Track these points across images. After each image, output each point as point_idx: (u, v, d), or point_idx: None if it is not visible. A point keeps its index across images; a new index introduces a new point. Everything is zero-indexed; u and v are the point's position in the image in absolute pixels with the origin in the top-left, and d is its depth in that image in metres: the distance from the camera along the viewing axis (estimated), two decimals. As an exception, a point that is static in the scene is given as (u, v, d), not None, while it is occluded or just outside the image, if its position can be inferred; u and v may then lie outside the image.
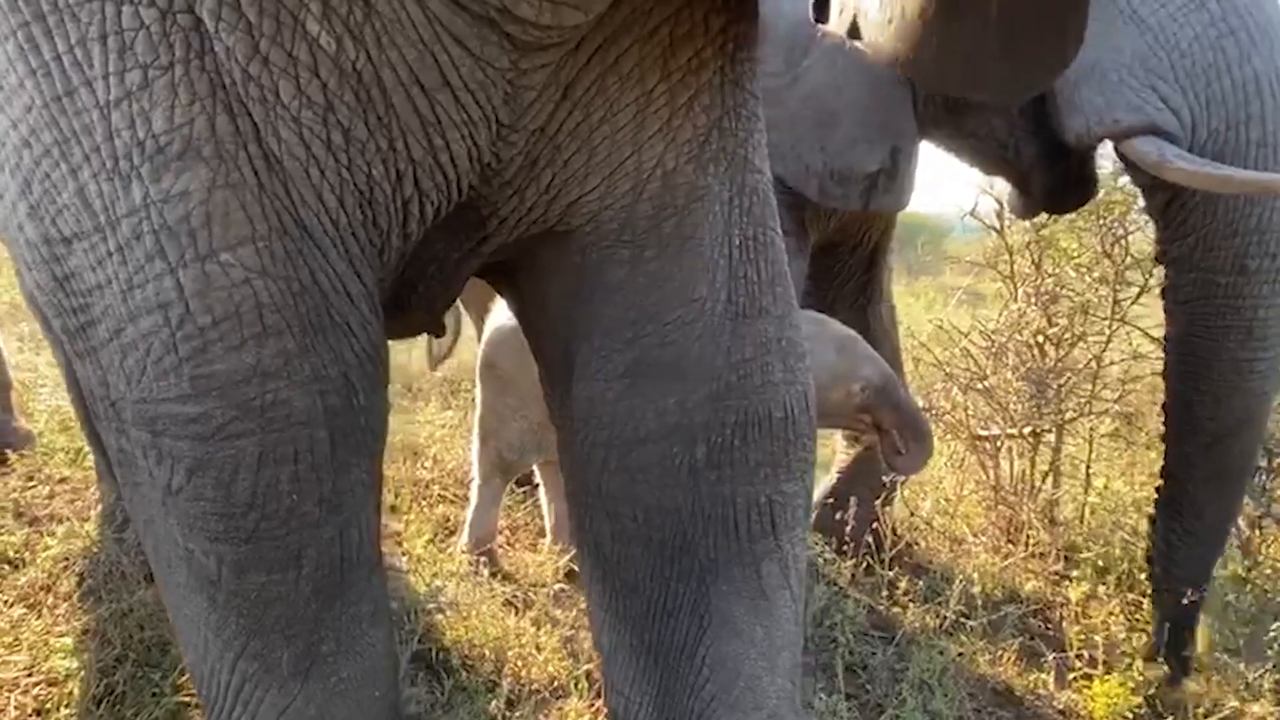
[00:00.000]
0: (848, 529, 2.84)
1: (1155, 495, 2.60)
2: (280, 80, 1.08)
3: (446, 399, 5.12)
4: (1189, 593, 2.43)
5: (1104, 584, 3.13)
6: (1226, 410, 2.30)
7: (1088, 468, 3.64)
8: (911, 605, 2.88)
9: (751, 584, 1.39)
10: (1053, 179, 2.61)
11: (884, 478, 2.89)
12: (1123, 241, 3.49)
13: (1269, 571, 2.90)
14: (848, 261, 3.37)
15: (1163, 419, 2.50)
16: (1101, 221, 3.50)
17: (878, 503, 2.98)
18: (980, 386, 3.71)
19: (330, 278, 1.15)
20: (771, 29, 2.62)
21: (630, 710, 1.45)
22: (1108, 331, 3.56)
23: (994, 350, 3.70)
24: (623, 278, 1.38)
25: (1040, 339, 3.59)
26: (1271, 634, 2.58)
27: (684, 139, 1.36)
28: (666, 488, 1.38)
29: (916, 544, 3.45)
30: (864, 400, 2.49)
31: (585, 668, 2.29)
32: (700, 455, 1.37)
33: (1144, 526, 3.40)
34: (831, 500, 3.29)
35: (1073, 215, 3.74)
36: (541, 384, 1.59)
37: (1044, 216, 3.69)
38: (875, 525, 3.09)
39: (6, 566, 2.55)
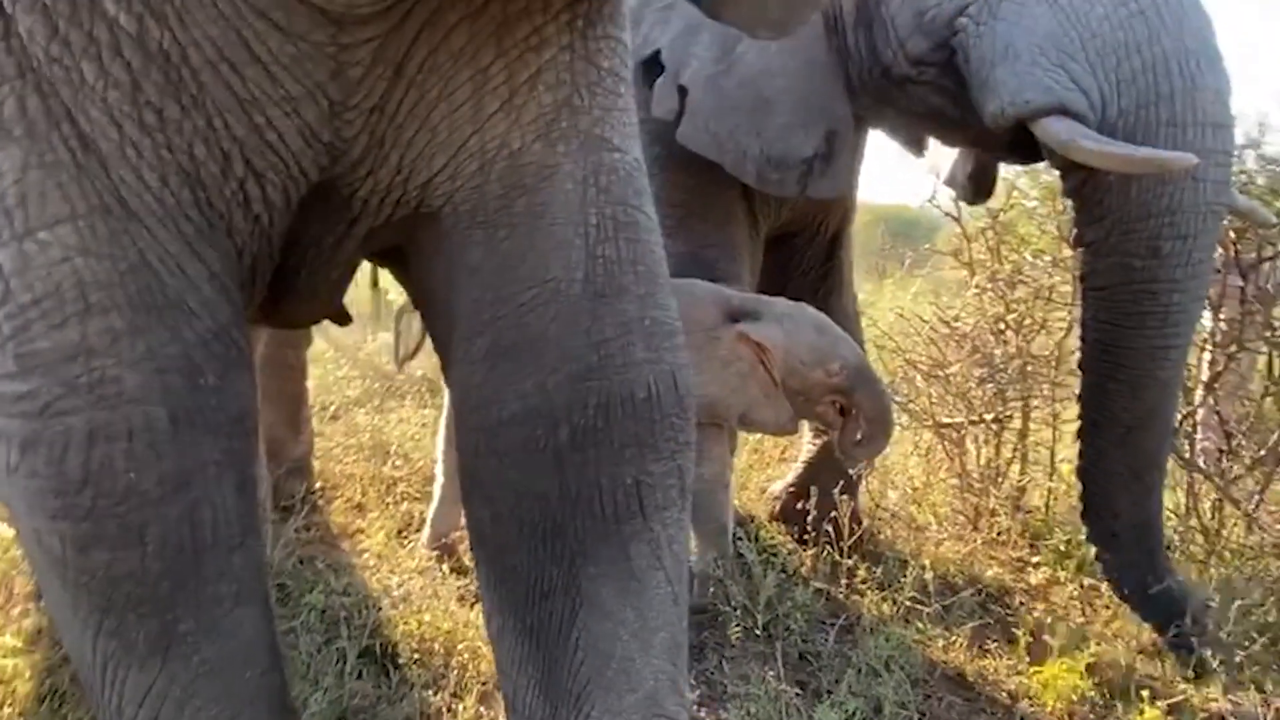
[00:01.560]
0: (809, 518, 2.85)
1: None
2: (83, 61, 1.08)
3: (424, 398, 5.13)
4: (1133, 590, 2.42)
5: (1064, 569, 3.13)
6: (1140, 400, 2.27)
7: (1052, 454, 3.64)
8: (869, 593, 2.89)
9: (620, 565, 1.38)
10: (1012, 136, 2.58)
11: (849, 469, 2.90)
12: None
13: (1227, 554, 2.90)
14: (806, 252, 3.38)
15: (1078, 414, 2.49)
16: (1059, 207, 3.49)
17: (837, 491, 2.99)
18: (941, 374, 3.72)
19: (161, 257, 1.14)
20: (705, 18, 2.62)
21: (518, 694, 1.45)
22: (1069, 318, 3.55)
23: (955, 338, 3.71)
24: (479, 259, 1.38)
25: (1000, 326, 3.59)
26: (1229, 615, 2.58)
27: (529, 118, 1.34)
28: (533, 471, 1.37)
29: (880, 533, 3.45)
30: (841, 380, 2.50)
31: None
32: (564, 437, 1.36)
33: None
34: (794, 489, 3.31)
35: (1031, 203, 3.75)
36: (441, 369, 1.60)
37: (1000, 202, 3.70)
38: (835, 514, 3.09)
39: (-38, 568, 2.57)
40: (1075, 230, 2.37)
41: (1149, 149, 2.01)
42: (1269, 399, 3.00)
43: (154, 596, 1.16)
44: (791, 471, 3.46)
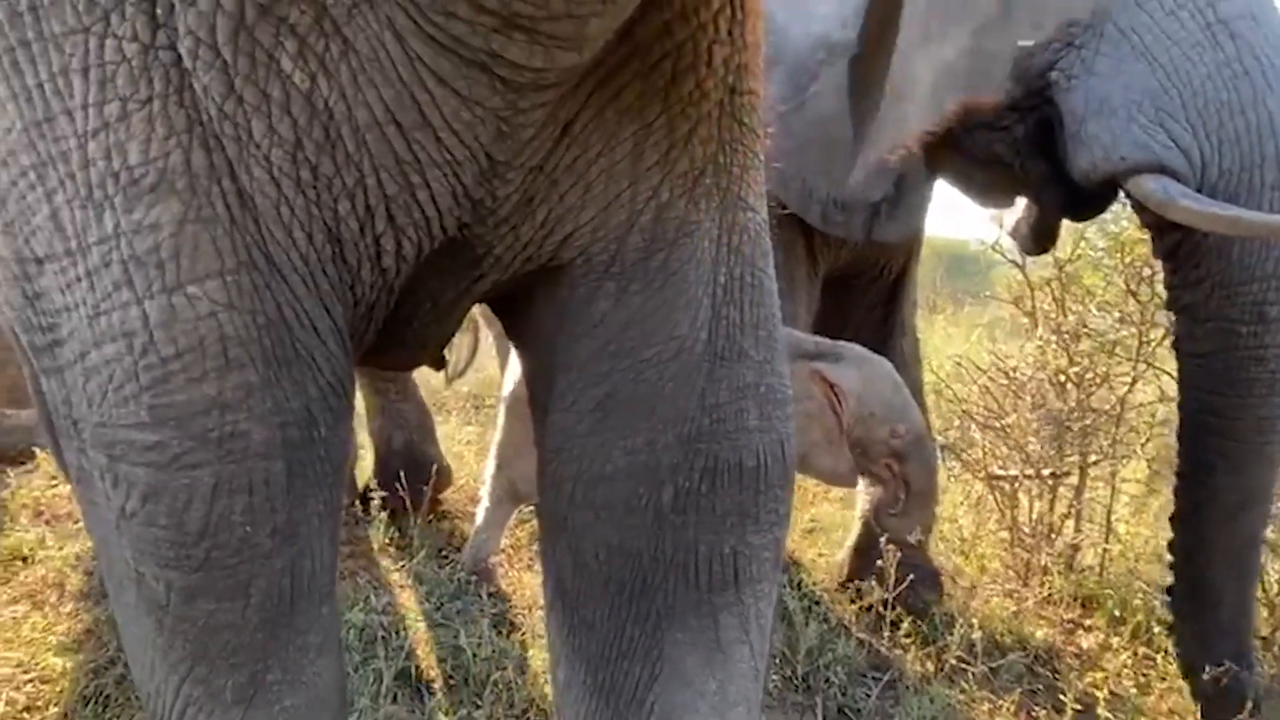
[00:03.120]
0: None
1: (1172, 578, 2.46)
2: (253, 118, 1.10)
3: (469, 414, 5.17)
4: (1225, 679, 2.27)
5: (1118, 635, 3.01)
6: (1245, 477, 2.16)
7: (1109, 513, 3.52)
8: (912, 648, 2.81)
9: (708, 635, 1.36)
10: (1067, 193, 2.52)
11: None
12: (1149, 280, 3.39)
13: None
14: (869, 292, 3.33)
15: (1173, 490, 2.39)
16: (1126, 259, 3.40)
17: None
18: (998, 425, 3.63)
19: (297, 312, 1.16)
20: (780, 55, 2.61)
21: None
22: (1133, 373, 3.44)
23: (1013, 389, 3.61)
24: (606, 310, 1.37)
25: (1061, 378, 3.49)
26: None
27: (680, 171, 1.34)
28: (630, 528, 1.36)
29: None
30: (901, 445, 2.45)
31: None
32: (667, 498, 1.34)
33: (1163, 577, 3.29)
34: (858, 552, 3.21)
35: (1098, 253, 3.66)
36: (532, 410, 1.59)
37: (1067, 252, 3.62)
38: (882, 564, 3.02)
39: (19, 563, 2.65)
40: (1169, 291, 2.28)
41: (1258, 213, 1.94)
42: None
43: (249, 646, 1.17)
44: (852, 534, 3.34)
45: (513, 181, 1.26)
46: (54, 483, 3.22)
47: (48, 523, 2.91)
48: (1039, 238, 2.89)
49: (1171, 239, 2.16)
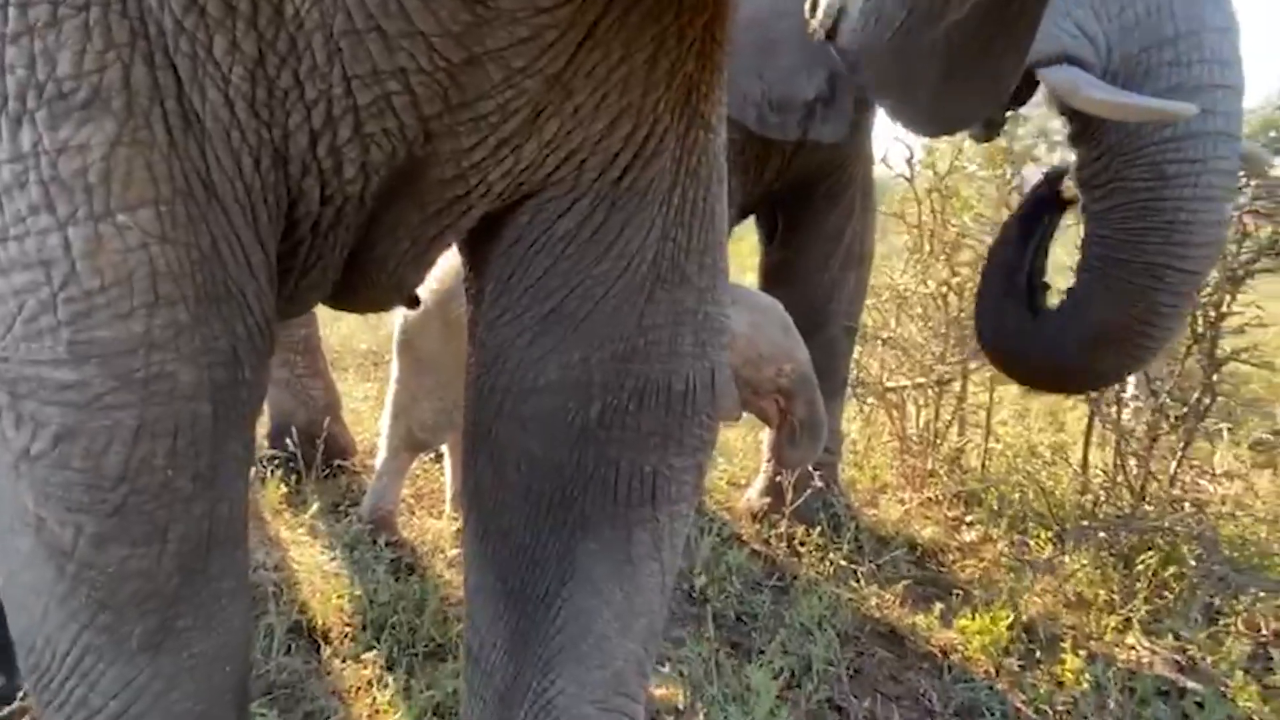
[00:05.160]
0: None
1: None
2: (216, 33, 1.01)
3: (368, 371, 5.06)
4: None
5: (996, 527, 3.20)
6: (1128, 308, 2.14)
7: (988, 415, 3.71)
8: (805, 555, 2.93)
9: (620, 548, 1.38)
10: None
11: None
12: (1019, 190, 3.52)
13: (1149, 507, 2.99)
14: (823, 207, 3.24)
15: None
16: (998, 172, 3.52)
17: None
18: (885, 337, 3.76)
19: (232, 246, 1.09)
20: None
21: (484, 650, 1.46)
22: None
23: (897, 302, 3.74)
24: (571, 229, 1.32)
25: (944, 289, 3.62)
26: (1139, 568, 2.67)
27: (678, 83, 1.28)
28: (555, 441, 1.36)
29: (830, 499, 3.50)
30: (787, 383, 2.52)
31: (457, 628, 2.29)
32: (594, 414, 1.35)
33: (1038, 471, 3.50)
34: (766, 492, 3.28)
35: (972, 164, 3.77)
36: (469, 328, 1.54)
37: (945, 166, 3.72)
38: (778, 478, 3.12)
39: None
40: (1076, 170, 2.33)
41: (1153, 99, 2.00)
42: (1190, 359, 3.07)
43: (161, 593, 1.12)
44: (760, 477, 3.39)
45: (527, 91, 1.17)
46: None
47: None
48: (985, 125, 2.92)
49: (1079, 122, 2.22)
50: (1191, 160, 2.07)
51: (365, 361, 5.20)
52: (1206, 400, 3.08)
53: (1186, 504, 2.99)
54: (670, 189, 1.33)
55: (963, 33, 1.01)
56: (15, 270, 1.00)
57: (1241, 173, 2.81)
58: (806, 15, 1.37)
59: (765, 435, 3.38)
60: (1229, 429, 3.69)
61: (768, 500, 3.23)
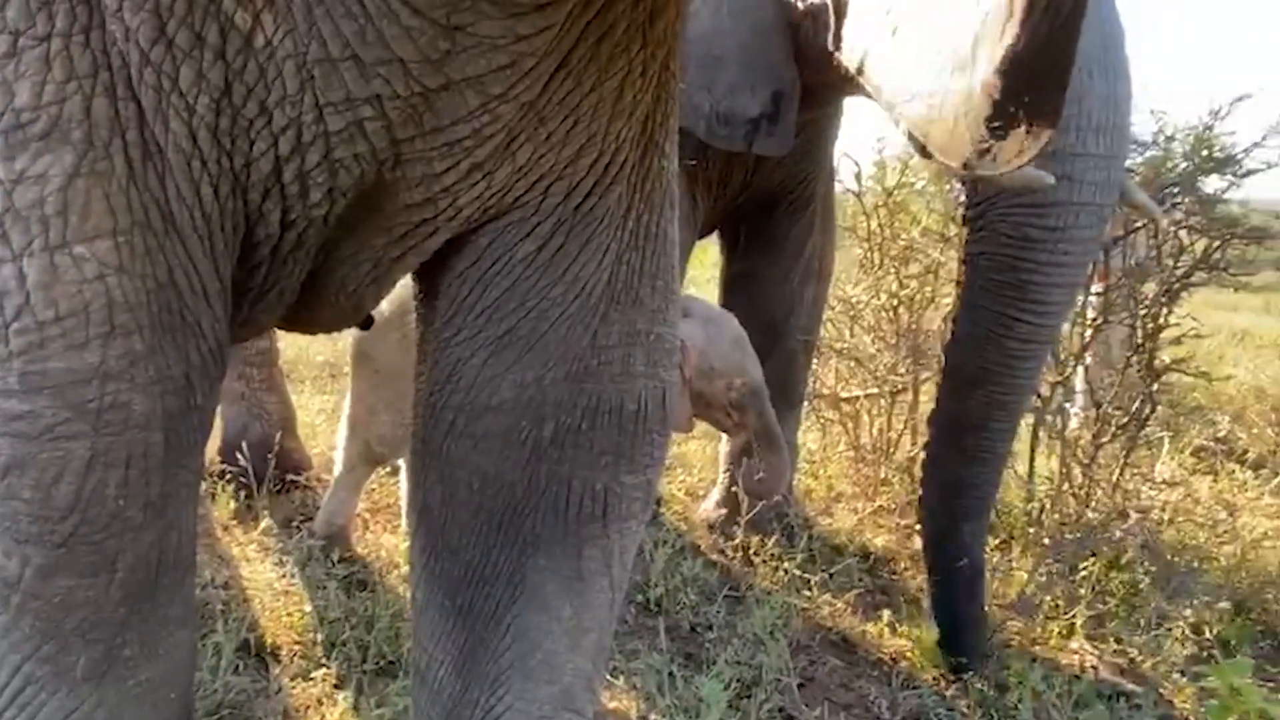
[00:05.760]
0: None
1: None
2: (183, 65, 1.01)
3: (324, 383, 5.00)
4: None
5: (947, 534, 3.26)
6: (981, 361, 2.33)
7: (940, 424, 3.77)
8: (760, 565, 2.96)
9: (570, 564, 1.40)
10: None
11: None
12: (961, 203, 3.60)
13: (1093, 514, 3.07)
14: (784, 221, 3.30)
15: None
16: (944, 187, 3.60)
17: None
18: (839, 348, 3.82)
19: (189, 275, 1.09)
20: None
21: (431, 667, 1.46)
22: (956, 292, 3.68)
23: (850, 315, 3.80)
24: (531, 252, 1.35)
25: (894, 303, 3.69)
26: (1083, 574, 2.74)
27: (641, 114, 1.32)
28: (507, 459, 1.37)
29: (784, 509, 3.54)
30: (738, 397, 2.56)
31: (409, 644, 2.27)
32: (547, 433, 1.36)
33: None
34: (722, 504, 3.32)
35: (920, 180, 3.86)
36: (418, 346, 1.54)
37: (894, 181, 3.80)
38: (734, 489, 3.15)
39: None
40: (962, 207, 2.44)
41: (1023, 171, 2.07)
42: (1130, 369, 3.17)
43: (108, 622, 1.11)
44: (717, 488, 3.43)
45: (502, 117, 1.18)
46: None
47: None
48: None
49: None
50: (1051, 229, 2.19)
51: (321, 374, 5.14)
52: (1147, 409, 3.18)
53: (1129, 510, 3.08)
54: (625, 213, 1.36)
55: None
56: None
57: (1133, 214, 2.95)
58: (831, 47, 1.41)
59: (723, 447, 3.42)
60: (1170, 437, 3.81)
61: (724, 511, 3.26)
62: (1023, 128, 1.12)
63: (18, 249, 0.98)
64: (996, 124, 1.10)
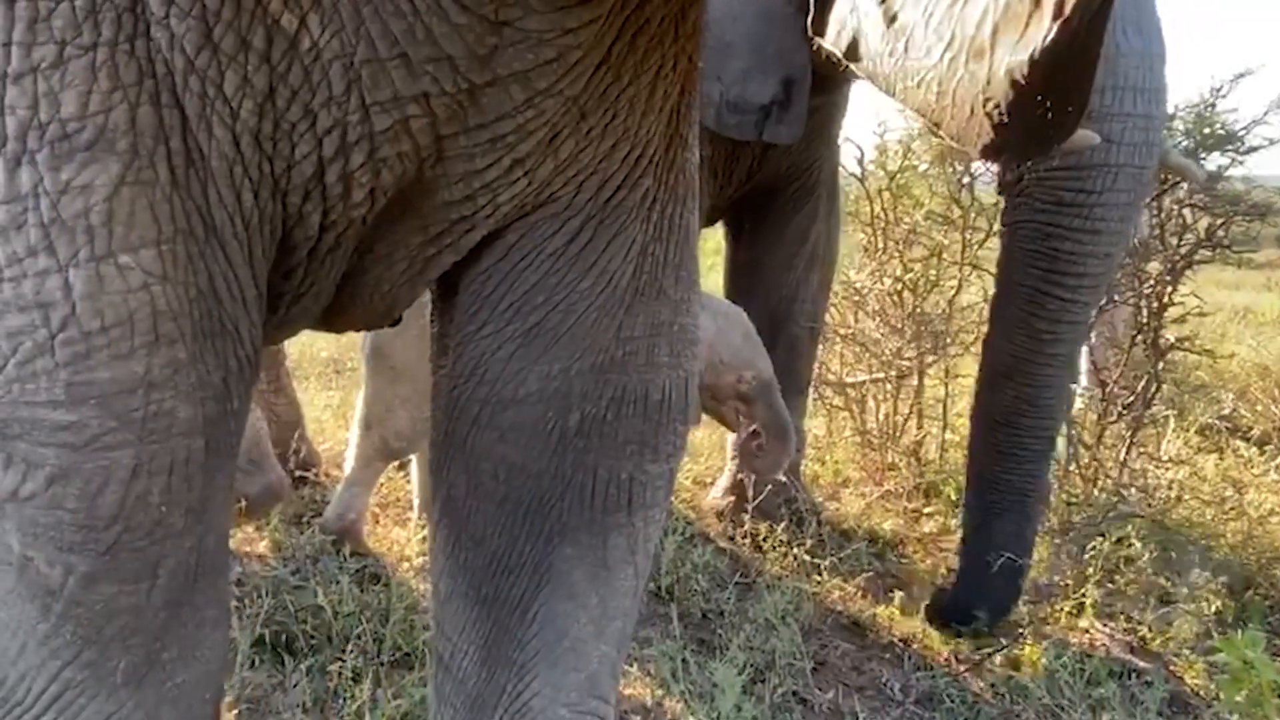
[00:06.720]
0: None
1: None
2: (228, 70, 1.00)
3: (329, 379, 5.01)
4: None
5: (954, 518, 3.27)
6: (1013, 343, 2.30)
7: (945, 407, 3.78)
8: (770, 551, 2.97)
9: (596, 553, 1.42)
10: None
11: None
12: (969, 188, 3.60)
13: (1100, 493, 3.08)
14: (789, 208, 3.29)
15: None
16: (948, 169, 3.60)
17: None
18: (844, 333, 3.82)
19: (229, 281, 1.10)
20: None
21: (456, 657, 1.48)
22: (959, 276, 3.68)
23: (855, 300, 3.80)
24: (560, 246, 1.35)
25: (898, 286, 3.69)
26: (1091, 553, 2.75)
27: (669, 106, 1.32)
28: (533, 451, 1.39)
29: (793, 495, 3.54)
30: (748, 390, 2.56)
31: (424, 636, 2.29)
32: (573, 423, 1.38)
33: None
34: (731, 490, 3.31)
35: (923, 163, 3.85)
36: (433, 340, 1.56)
37: (896, 165, 3.79)
38: (741, 476, 3.16)
39: None
40: (999, 174, 2.41)
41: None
42: (1136, 348, 3.17)
43: (148, 627, 1.12)
44: (725, 475, 3.43)
45: (546, 112, 1.19)
46: None
47: None
48: None
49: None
50: (1088, 191, 2.13)
51: (327, 370, 5.15)
52: (1152, 388, 3.19)
53: (1136, 489, 3.09)
54: (651, 205, 1.37)
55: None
56: (10, 313, 0.99)
57: (1181, 181, 2.92)
58: (811, 32, 1.40)
59: (730, 435, 3.43)
60: (1175, 415, 3.81)
61: (732, 498, 3.27)
62: (1050, 114, 1.11)
63: (64, 260, 0.98)
64: (1025, 111, 1.09)
